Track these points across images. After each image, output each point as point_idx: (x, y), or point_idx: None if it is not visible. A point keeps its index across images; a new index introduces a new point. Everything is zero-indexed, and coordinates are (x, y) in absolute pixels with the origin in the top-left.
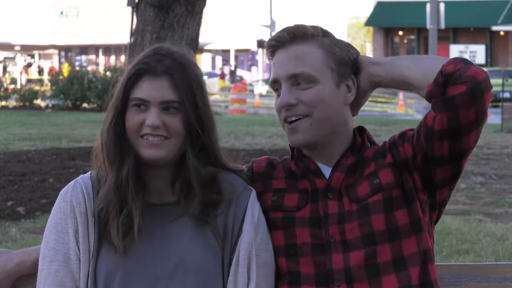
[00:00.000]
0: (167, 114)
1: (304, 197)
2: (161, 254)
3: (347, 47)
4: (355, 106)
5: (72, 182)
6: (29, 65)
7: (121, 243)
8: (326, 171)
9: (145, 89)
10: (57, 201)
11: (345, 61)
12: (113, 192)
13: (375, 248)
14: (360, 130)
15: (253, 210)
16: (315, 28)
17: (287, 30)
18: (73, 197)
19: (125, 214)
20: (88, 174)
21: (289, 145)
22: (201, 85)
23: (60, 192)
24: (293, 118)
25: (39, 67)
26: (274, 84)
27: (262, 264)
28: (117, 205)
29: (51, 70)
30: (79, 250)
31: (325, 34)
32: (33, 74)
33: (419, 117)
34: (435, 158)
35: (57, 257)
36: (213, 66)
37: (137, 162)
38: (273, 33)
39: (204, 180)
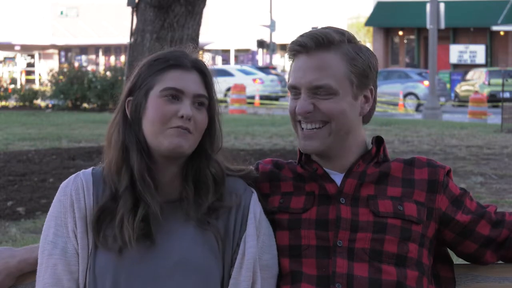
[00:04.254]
0: (196, 109)
1: (311, 199)
2: (162, 252)
3: (369, 55)
4: (368, 115)
5: (73, 176)
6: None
7: (134, 243)
8: (335, 176)
9: (177, 80)
10: (57, 194)
11: (366, 73)
12: (128, 191)
13: (380, 266)
14: (378, 141)
15: (255, 213)
16: (341, 34)
17: (312, 36)
18: (72, 191)
19: (142, 214)
20: (89, 169)
21: (298, 149)
22: None
23: (61, 185)
24: (310, 127)
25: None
26: (293, 89)
27: (263, 267)
28: (130, 204)
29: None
30: (78, 245)
31: (350, 40)
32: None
33: (419, 117)
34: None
35: (55, 251)
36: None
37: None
38: (273, 33)
39: (216, 179)
